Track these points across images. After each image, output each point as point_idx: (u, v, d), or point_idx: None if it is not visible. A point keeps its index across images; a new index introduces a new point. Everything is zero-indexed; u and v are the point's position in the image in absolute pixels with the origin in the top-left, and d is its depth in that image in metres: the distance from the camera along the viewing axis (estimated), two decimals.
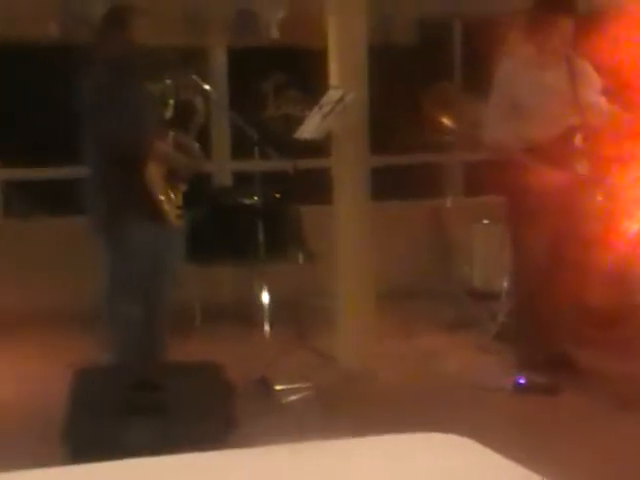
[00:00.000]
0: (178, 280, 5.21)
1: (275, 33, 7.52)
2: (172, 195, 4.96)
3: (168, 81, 5.50)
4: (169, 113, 5.22)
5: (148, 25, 5.04)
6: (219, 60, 7.56)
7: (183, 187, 5.08)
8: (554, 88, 5.09)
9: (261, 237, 5.17)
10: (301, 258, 5.82)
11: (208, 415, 3.71)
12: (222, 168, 7.62)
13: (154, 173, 4.81)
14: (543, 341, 5.27)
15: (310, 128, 5.37)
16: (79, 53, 6.64)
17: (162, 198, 4.85)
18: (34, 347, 6.32)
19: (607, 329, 5.83)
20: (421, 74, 7.14)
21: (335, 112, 5.28)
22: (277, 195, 6.91)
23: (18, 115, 7.36)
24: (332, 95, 5.26)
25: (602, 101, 5.15)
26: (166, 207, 4.89)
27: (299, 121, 5.58)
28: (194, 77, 5.43)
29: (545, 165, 5.04)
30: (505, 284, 6.29)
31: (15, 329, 6.69)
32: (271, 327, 5.13)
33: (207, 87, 5.38)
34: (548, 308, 5.22)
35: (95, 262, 4.97)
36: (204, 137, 6.73)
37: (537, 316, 5.23)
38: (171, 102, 5.28)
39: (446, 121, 6.48)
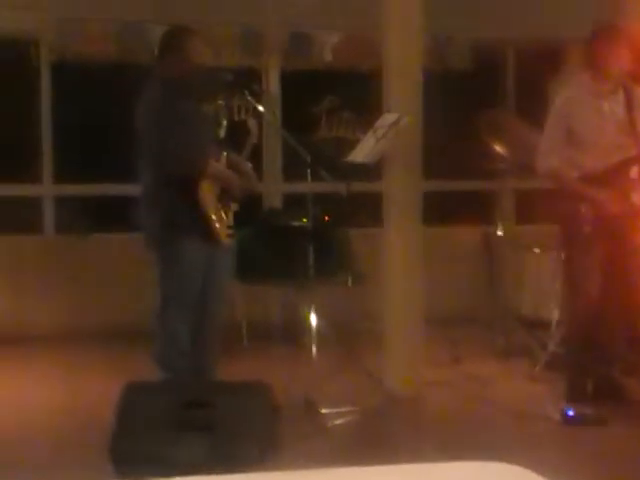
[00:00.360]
0: (228, 299, 5.22)
1: (329, 56, 7.56)
2: (223, 214, 4.99)
3: (221, 102, 5.55)
4: (222, 133, 5.26)
5: (204, 47, 5.09)
6: (273, 82, 7.60)
7: (235, 207, 5.11)
8: (611, 118, 5.08)
9: (310, 259, 5.16)
10: (350, 281, 5.80)
11: (254, 435, 3.71)
12: (273, 189, 7.65)
13: (207, 192, 4.84)
14: (594, 371, 5.20)
15: (363, 151, 5.36)
16: (137, 73, 6.75)
17: (213, 217, 4.88)
18: (87, 362, 6.38)
19: None
20: (475, 100, 7.11)
21: (389, 136, 5.28)
22: (326, 218, 6.92)
23: (75, 131, 7.46)
24: (386, 119, 5.25)
25: None
26: (217, 226, 4.91)
27: (351, 144, 5.59)
28: (248, 98, 5.47)
29: (600, 194, 5.01)
30: (556, 313, 6.24)
31: (68, 343, 6.77)
32: (318, 349, 5.10)
33: (261, 108, 5.41)
34: (600, 338, 5.16)
35: (148, 279, 5.01)
36: (256, 158, 6.79)
37: (588, 345, 5.17)
38: (224, 122, 5.32)
39: (499, 148, 6.45)
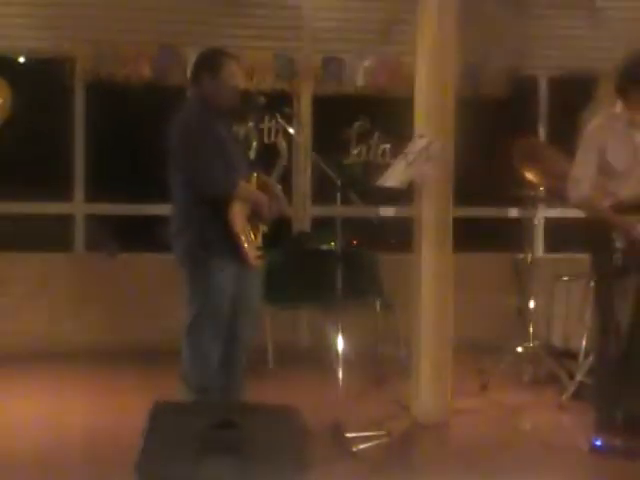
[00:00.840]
0: (259, 321, 5.22)
1: (361, 80, 7.58)
2: (252, 236, 4.99)
3: (251, 124, 5.57)
4: (252, 155, 5.27)
5: (239, 69, 5.12)
6: (305, 105, 7.63)
7: (264, 228, 5.12)
8: None
9: (338, 282, 5.15)
10: (379, 306, 5.79)
11: (281, 458, 3.68)
12: (302, 213, 7.66)
13: (236, 213, 4.85)
14: (623, 402, 5.14)
15: (394, 176, 5.35)
16: (170, 95, 6.81)
17: (243, 238, 4.89)
18: (116, 379, 6.40)
19: None
20: (508, 127, 7.10)
21: (420, 161, 5.27)
22: (355, 242, 6.92)
23: (107, 151, 7.52)
24: (417, 143, 5.25)
25: None
26: (246, 247, 4.92)
27: (382, 168, 5.58)
28: (279, 121, 5.48)
29: (631, 223, 5.00)
30: (584, 343, 6.19)
31: (98, 361, 6.80)
32: (345, 373, 5.08)
33: (291, 131, 5.42)
34: (630, 368, 5.11)
35: (177, 298, 5.02)
36: (286, 181, 6.80)
37: (618, 376, 5.12)
38: (254, 144, 5.34)
39: (531, 176, 6.43)
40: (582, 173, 5.15)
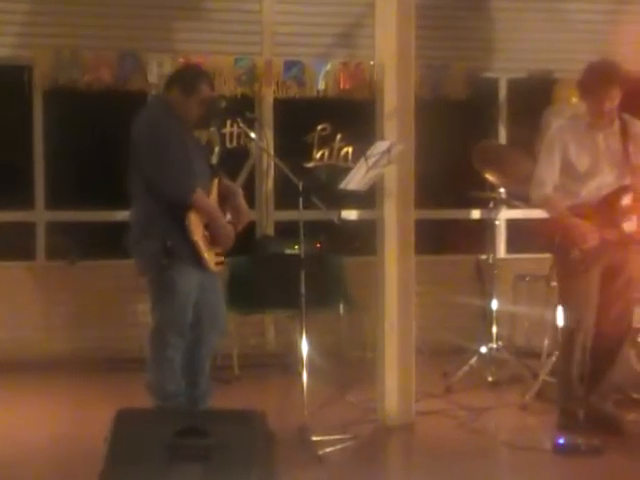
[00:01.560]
0: (224, 327, 5.21)
1: (322, 84, 7.59)
2: (212, 242, 4.97)
3: (214, 129, 5.56)
4: (215, 159, 5.27)
5: (211, 89, 5.10)
6: (266, 109, 7.63)
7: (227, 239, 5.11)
8: (606, 150, 5.16)
9: (302, 287, 5.16)
10: (342, 309, 5.79)
11: (248, 463, 3.68)
12: (265, 217, 7.66)
13: (193, 221, 4.84)
14: (586, 400, 5.20)
15: (356, 179, 5.37)
16: (132, 100, 6.77)
17: (201, 245, 4.87)
18: (78, 389, 6.35)
19: None
20: (469, 129, 7.15)
21: (381, 164, 5.29)
22: (318, 245, 6.93)
23: (67, 158, 7.46)
24: (379, 147, 5.27)
25: None
26: (205, 254, 4.90)
27: (344, 172, 5.59)
28: (241, 125, 5.48)
29: (592, 223, 5.07)
30: (546, 342, 6.24)
31: (60, 370, 6.74)
32: (310, 377, 5.09)
33: (253, 135, 5.42)
34: (593, 365, 5.18)
35: (140, 306, 5.00)
36: (249, 186, 6.80)
37: (580, 373, 5.18)
38: (217, 149, 5.33)
39: (492, 177, 6.47)
40: (544, 173, 5.23)
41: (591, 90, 5.11)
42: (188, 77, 5.03)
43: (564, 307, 5.25)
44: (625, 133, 5.14)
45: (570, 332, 5.20)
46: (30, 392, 6.30)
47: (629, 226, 5.15)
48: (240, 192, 5.17)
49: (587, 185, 5.16)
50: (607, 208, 5.11)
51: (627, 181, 5.12)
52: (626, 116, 5.20)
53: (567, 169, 5.18)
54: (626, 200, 5.11)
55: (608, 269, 5.15)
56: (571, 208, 5.16)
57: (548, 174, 5.21)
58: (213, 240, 4.93)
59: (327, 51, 7.65)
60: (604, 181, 5.15)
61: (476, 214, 7.59)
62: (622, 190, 5.12)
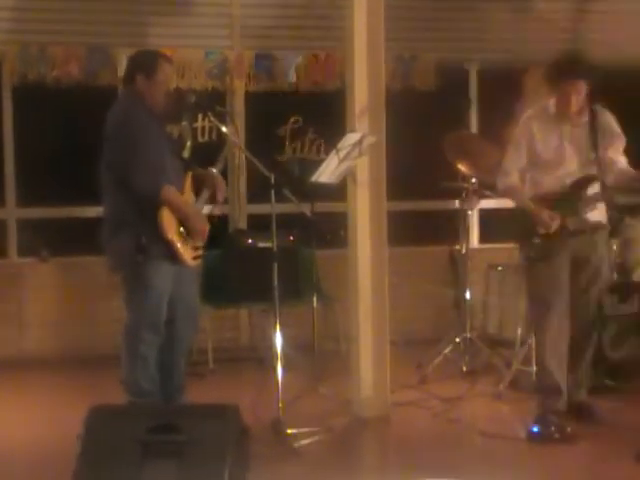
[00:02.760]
0: (199, 322, 5.20)
1: (293, 77, 7.58)
2: (187, 236, 4.96)
3: (185, 123, 5.54)
4: (186, 153, 5.25)
5: (171, 70, 5.09)
6: (237, 102, 7.61)
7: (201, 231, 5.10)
8: (573, 141, 5.19)
9: (275, 280, 5.16)
10: (316, 301, 5.80)
11: (222, 459, 3.67)
12: (238, 211, 7.65)
13: (166, 217, 4.82)
14: (559, 388, 5.23)
15: (327, 172, 5.38)
16: (102, 95, 6.73)
17: (176, 240, 4.86)
18: (53, 386, 6.32)
19: (627, 379, 5.81)
20: (439, 119, 7.16)
21: (352, 156, 5.30)
22: (291, 238, 6.93)
23: (38, 154, 7.41)
24: (349, 139, 5.27)
25: (622, 160, 5.22)
26: (180, 248, 4.89)
27: (316, 164, 5.59)
28: (212, 119, 5.47)
29: (557, 212, 5.10)
30: (519, 331, 6.27)
31: (33, 368, 6.71)
32: (285, 370, 5.09)
33: (224, 129, 5.41)
34: (564, 353, 5.20)
35: (114, 302, 4.98)
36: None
37: (553, 362, 5.20)
38: (188, 143, 5.32)
39: (463, 167, 6.49)
40: (510, 163, 5.28)
41: (557, 82, 5.14)
42: (146, 60, 5.01)
43: (530, 297, 5.30)
44: (594, 124, 5.16)
45: (539, 323, 5.24)
46: (4, 391, 6.26)
47: (593, 216, 5.19)
48: (217, 175, 5.15)
49: (551, 174, 5.20)
50: (571, 197, 5.15)
51: (592, 171, 5.15)
52: (597, 107, 5.22)
53: (533, 158, 5.22)
54: (590, 190, 5.15)
55: (575, 259, 5.18)
56: (536, 197, 5.20)
57: (514, 164, 5.26)
58: (189, 234, 4.91)
59: (298, 44, 7.64)
60: (568, 171, 5.18)
61: (449, 204, 7.61)
62: (586, 180, 5.16)
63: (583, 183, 5.16)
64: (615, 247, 6.20)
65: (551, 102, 5.24)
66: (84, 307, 7.09)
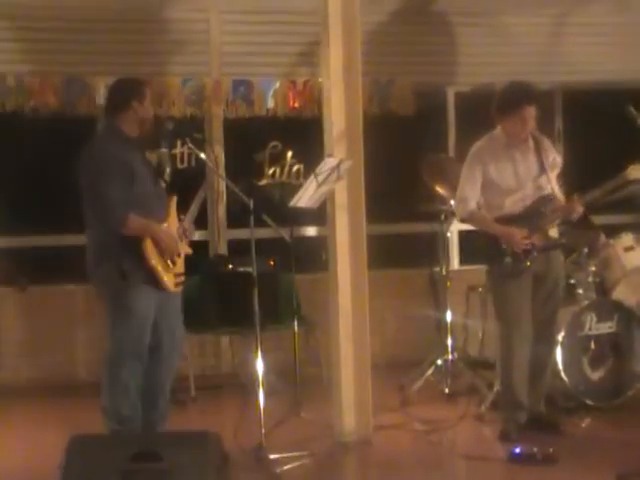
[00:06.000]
0: (182, 350, 5.18)
1: (271, 102, 7.61)
2: (170, 263, 4.96)
3: (164, 150, 5.56)
4: (167, 181, 5.27)
5: (150, 96, 5.11)
6: (216, 129, 7.63)
7: (187, 251, 5.12)
8: (523, 164, 5.43)
9: (256, 305, 5.16)
10: (296, 326, 5.81)
11: None
12: (218, 236, 7.65)
13: (148, 246, 4.84)
14: (522, 403, 5.37)
15: (305, 196, 5.40)
16: (80, 124, 6.74)
17: (159, 268, 4.87)
18: (31, 415, 6.28)
19: (607, 398, 5.84)
20: (417, 143, 7.21)
21: (330, 180, 5.32)
22: (272, 263, 6.93)
23: (16, 183, 7.39)
24: (327, 163, 5.30)
25: (556, 185, 5.49)
26: (163, 275, 4.89)
27: (296, 189, 5.61)
28: (190, 146, 5.48)
29: (515, 232, 5.30)
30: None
31: (11, 396, 6.65)
32: (267, 396, 5.08)
33: (203, 156, 5.42)
34: (526, 369, 5.37)
35: (92, 330, 4.96)
36: (203, 206, 6.76)
37: (518, 378, 5.35)
38: (168, 170, 5.33)
39: (441, 190, 6.53)
40: (467, 191, 5.49)
41: (507, 112, 5.36)
42: (135, 87, 5.05)
43: (500, 316, 5.41)
44: (538, 148, 5.44)
45: (508, 340, 5.38)
46: None
47: (554, 232, 5.48)
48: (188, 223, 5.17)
49: (510, 198, 5.42)
50: (533, 216, 5.37)
51: (547, 191, 5.41)
52: (536, 133, 5.48)
53: (490, 186, 5.45)
54: (549, 208, 5.39)
55: (535, 275, 5.39)
56: (500, 219, 5.41)
57: (471, 191, 5.47)
58: (163, 256, 4.91)
59: (275, 70, 7.68)
60: (526, 194, 5.42)
61: (428, 227, 7.63)
62: (545, 199, 5.41)
63: (543, 202, 5.40)
64: (593, 267, 6.24)
65: (499, 131, 5.47)
66: (63, 335, 7.05)
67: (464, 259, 8.06)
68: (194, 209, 5.23)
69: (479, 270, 7.18)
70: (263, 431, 5.03)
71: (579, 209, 5.36)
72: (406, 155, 7.11)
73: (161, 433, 4.88)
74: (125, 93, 5.05)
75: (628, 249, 6.42)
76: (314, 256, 6.00)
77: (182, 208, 5.20)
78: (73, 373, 6.81)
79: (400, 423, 5.76)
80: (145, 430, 4.92)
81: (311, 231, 7.67)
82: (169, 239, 4.94)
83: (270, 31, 7.63)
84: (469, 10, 7.88)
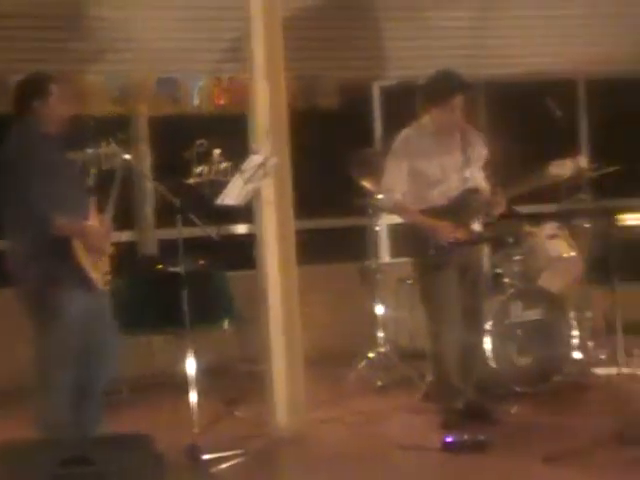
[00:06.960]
0: (116, 353, 5.11)
1: (197, 100, 7.57)
2: (98, 262, 4.91)
3: (90, 150, 5.48)
4: (91, 182, 5.20)
5: (68, 93, 5.03)
6: (141, 127, 7.55)
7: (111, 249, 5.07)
8: (450, 156, 5.44)
9: (186, 304, 5.14)
10: (227, 324, 5.80)
11: None
12: (146, 236, 7.58)
13: (76, 245, 4.77)
14: (459, 389, 5.43)
15: (232, 194, 5.38)
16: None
17: (87, 267, 4.81)
18: None
19: (534, 384, 5.94)
20: (344, 138, 7.24)
21: (257, 177, 5.31)
22: (202, 262, 6.89)
23: None
24: (253, 160, 5.29)
25: (480, 176, 5.54)
26: (92, 274, 4.84)
27: (224, 187, 5.59)
28: (114, 146, 5.42)
29: (442, 225, 5.32)
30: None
31: None
32: (199, 395, 5.06)
33: (127, 156, 5.37)
34: (457, 357, 5.42)
35: (23, 334, 4.88)
36: (129, 206, 6.73)
37: (451, 367, 5.41)
38: (92, 171, 5.26)
39: (369, 185, 6.57)
40: (392, 181, 5.46)
41: (434, 101, 5.36)
42: (37, 84, 4.92)
43: (427, 308, 5.45)
44: (465, 140, 5.43)
45: (437, 330, 5.44)
46: None
47: (477, 226, 5.50)
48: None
49: (436, 190, 5.42)
50: (457, 209, 5.39)
51: (471, 184, 5.41)
52: (463, 124, 5.46)
53: (415, 177, 5.43)
54: (473, 201, 5.40)
55: (460, 265, 5.41)
56: (425, 211, 5.41)
57: (396, 181, 5.44)
58: (90, 252, 4.85)
59: (200, 66, 7.63)
60: (450, 186, 5.42)
61: (357, 221, 7.67)
62: (469, 192, 5.42)
63: (467, 195, 5.41)
64: (519, 256, 6.34)
65: (427, 119, 5.44)
66: None
67: (394, 252, 8.11)
68: (110, 208, 5.14)
69: (409, 262, 7.28)
70: (196, 431, 5.01)
71: (502, 204, 5.41)
72: (333, 150, 7.13)
73: (92, 437, 4.81)
74: (26, 93, 4.94)
75: (552, 237, 6.54)
76: (247, 253, 5.99)
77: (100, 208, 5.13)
78: (3, 379, 6.67)
79: (334, 417, 5.78)
80: (77, 435, 4.86)
81: (241, 229, 7.66)
82: (97, 236, 4.87)
83: (195, 27, 7.57)
84: (393, 4, 7.92)
